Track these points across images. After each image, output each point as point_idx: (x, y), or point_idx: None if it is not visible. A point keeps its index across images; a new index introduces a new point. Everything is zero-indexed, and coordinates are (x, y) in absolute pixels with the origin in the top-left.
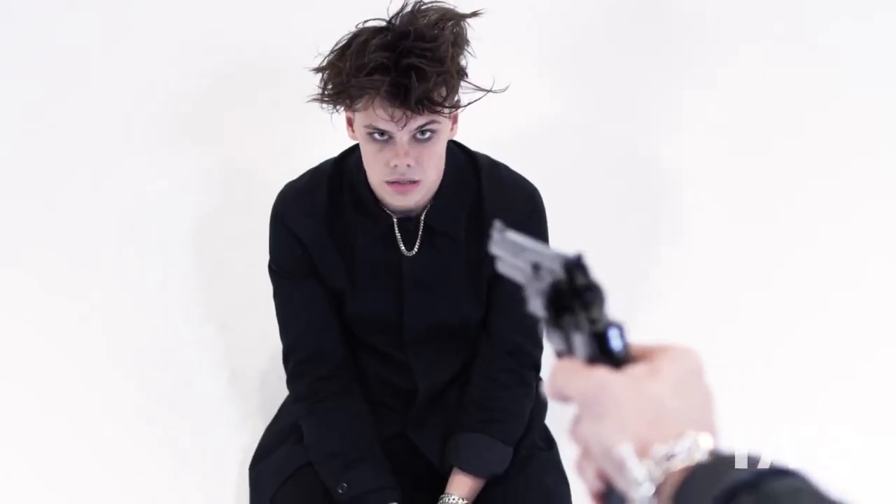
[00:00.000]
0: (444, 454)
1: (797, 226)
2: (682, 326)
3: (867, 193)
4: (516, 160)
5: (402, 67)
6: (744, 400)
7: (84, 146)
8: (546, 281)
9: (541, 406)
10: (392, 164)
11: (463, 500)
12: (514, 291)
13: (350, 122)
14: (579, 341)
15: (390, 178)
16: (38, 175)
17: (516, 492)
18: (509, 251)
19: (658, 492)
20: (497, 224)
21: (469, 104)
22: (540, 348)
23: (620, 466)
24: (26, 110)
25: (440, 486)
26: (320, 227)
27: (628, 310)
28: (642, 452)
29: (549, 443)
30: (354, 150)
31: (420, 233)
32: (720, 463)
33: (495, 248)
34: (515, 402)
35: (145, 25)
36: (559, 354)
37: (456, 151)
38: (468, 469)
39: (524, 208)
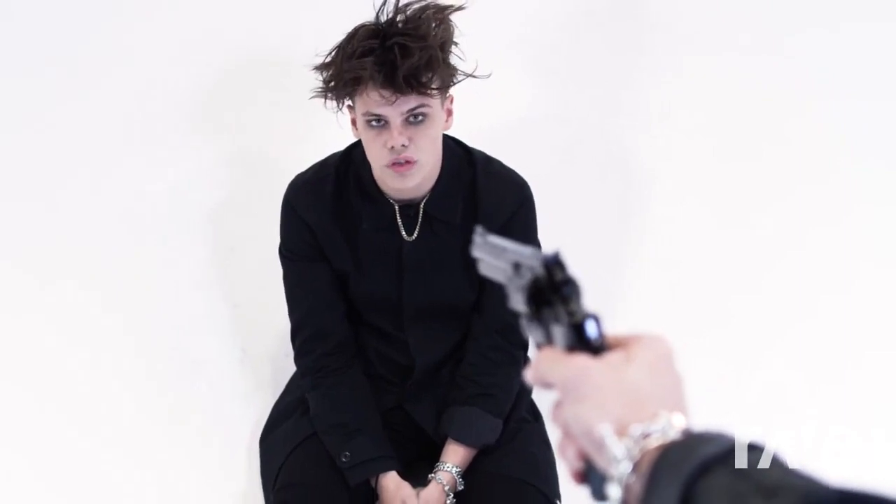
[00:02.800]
0: (438, 426)
1: (782, 223)
2: (667, 323)
3: (853, 197)
4: (506, 152)
5: (387, 46)
6: (731, 402)
7: (87, 144)
8: (526, 278)
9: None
10: (389, 144)
11: (456, 467)
12: None
13: (353, 123)
14: (558, 333)
15: (388, 161)
16: (40, 174)
17: (505, 460)
18: (491, 253)
19: (635, 468)
20: (478, 229)
21: (454, 83)
22: None
23: (600, 445)
24: (28, 110)
25: (435, 455)
26: (327, 214)
27: (611, 308)
28: (620, 432)
29: (536, 415)
30: (359, 143)
31: (419, 219)
32: (693, 440)
33: (477, 252)
34: (505, 378)
35: (146, 25)
36: (539, 346)
37: (453, 146)
38: (461, 439)
39: (515, 199)
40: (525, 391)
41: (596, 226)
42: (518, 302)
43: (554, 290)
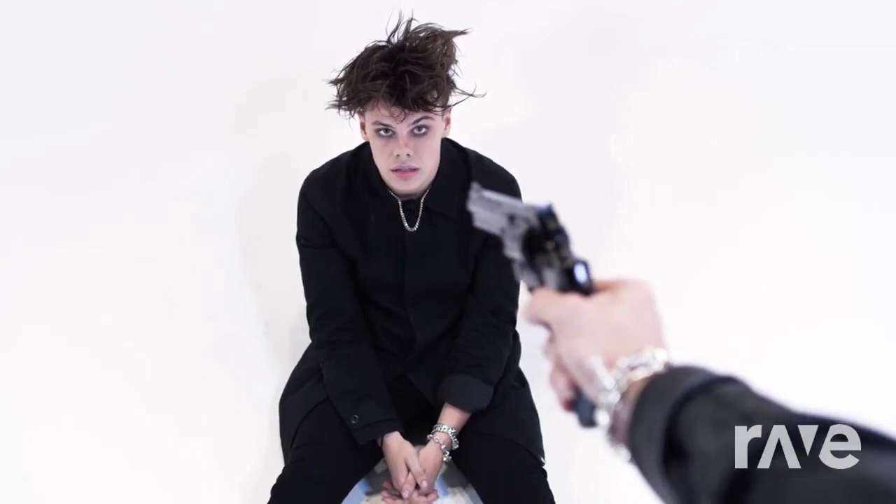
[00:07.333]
0: (436, 392)
1: (731, 212)
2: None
3: (792, 185)
4: (497, 153)
5: (399, 73)
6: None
7: (136, 147)
8: (521, 228)
9: (516, 353)
10: (395, 153)
11: (452, 429)
12: (497, 259)
13: (363, 127)
14: (550, 277)
15: (394, 166)
16: (95, 172)
17: (495, 422)
18: (486, 207)
19: (623, 397)
20: (474, 185)
21: (455, 104)
22: (516, 306)
23: (591, 376)
24: (97, 113)
25: (433, 418)
26: (338, 206)
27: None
28: (609, 364)
29: (523, 382)
30: (367, 145)
31: (420, 212)
32: (677, 372)
33: (473, 206)
34: (496, 351)
35: (195, 51)
36: (531, 289)
37: (450, 147)
38: (456, 404)
39: (505, 193)
40: (514, 361)
41: (576, 216)
42: (513, 250)
43: (547, 238)
